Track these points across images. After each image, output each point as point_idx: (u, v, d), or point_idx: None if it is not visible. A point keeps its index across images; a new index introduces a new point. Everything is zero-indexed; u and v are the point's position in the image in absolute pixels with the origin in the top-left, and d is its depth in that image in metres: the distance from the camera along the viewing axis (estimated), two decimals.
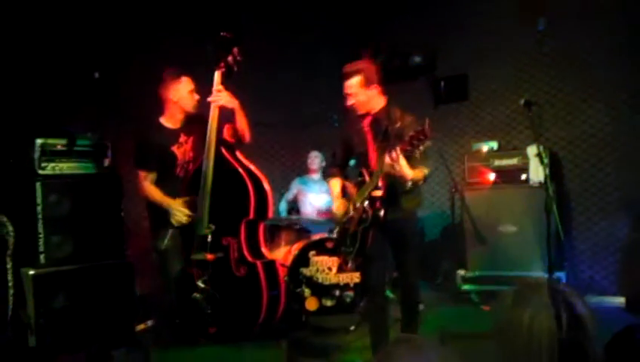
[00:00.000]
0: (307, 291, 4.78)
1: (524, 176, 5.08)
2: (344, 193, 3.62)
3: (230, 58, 3.42)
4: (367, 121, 3.44)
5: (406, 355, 1.36)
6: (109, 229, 4.26)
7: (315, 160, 5.58)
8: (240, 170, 3.49)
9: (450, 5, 6.17)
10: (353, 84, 3.31)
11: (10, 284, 3.76)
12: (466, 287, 5.15)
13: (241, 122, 3.57)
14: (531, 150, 4.92)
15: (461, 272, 5.21)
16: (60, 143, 4.12)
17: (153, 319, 4.36)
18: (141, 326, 4.48)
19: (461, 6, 6.09)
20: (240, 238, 3.45)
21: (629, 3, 4.97)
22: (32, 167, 3.97)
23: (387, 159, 3.04)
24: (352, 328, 4.46)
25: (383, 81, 3.40)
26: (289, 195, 5.77)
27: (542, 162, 3.91)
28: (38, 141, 4.00)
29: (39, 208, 3.91)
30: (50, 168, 4.04)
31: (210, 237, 3.41)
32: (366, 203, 3.30)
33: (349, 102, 3.36)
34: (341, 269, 4.78)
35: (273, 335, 3.75)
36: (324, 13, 6.39)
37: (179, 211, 3.52)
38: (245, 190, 3.43)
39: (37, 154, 3.97)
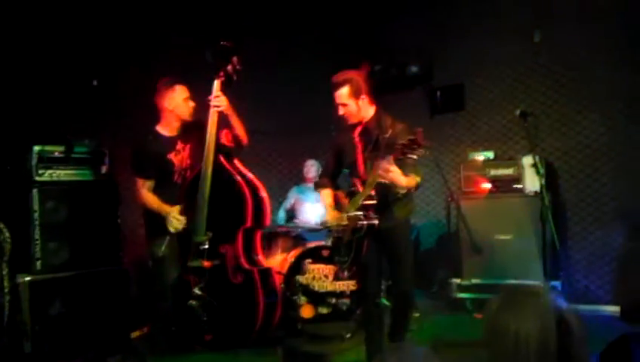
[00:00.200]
0: (303, 299, 4.79)
1: (519, 186, 5.10)
2: (336, 203, 3.61)
3: (230, 67, 3.45)
4: (357, 131, 3.44)
5: None
6: (106, 236, 4.26)
7: (312, 168, 5.60)
8: (238, 177, 3.51)
9: (447, 15, 6.21)
10: (342, 94, 3.30)
11: (6, 291, 3.75)
12: (461, 295, 5.16)
13: (239, 126, 3.60)
14: (527, 160, 4.94)
15: (456, 280, 5.22)
16: (57, 150, 4.13)
17: (149, 325, 4.35)
18: (136, 333, 4.49)
19: (458, 16, 6.13)
20: (237, 246, 3.47)
21: (626, 13, 5.01)
22: (29, 173, 3.98)
23: (380, 167, 3.04)
24: (348, 336, 4.46)
25: (380, 90, 3.43)
26: (287, 204, 5.78)
27: (537, 172, 3.94)
28: (36, 148, 4.01)
29: (36, 215, 3.92)
30: (48, 175, 4.05)
31: (207, 244, 3.43)
32: (359, 212, 3.31)
33: (340, 112, 3.37)
34: (337, 277, 4.80)
35: (269, 342, 3.76)
36: (322, 21, 6.42)
37: (175, 218, 3.53)
38: (243, 198, 3.45)
39: (34, 161, 3.98)
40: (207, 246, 3.43)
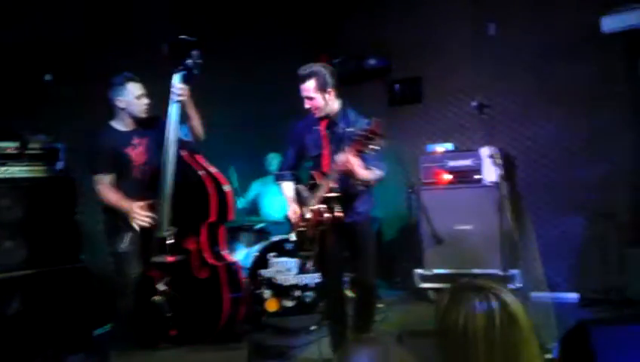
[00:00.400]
0: (267, 292, 4.80)
1: (478, 177, 5.20)
2: (298, 196, 3.61)
3: (189, 61, 3.41)
4: (323, 125, 3.44)
5: (365, 354, 1.39)
6: (64, 233, 4.18)
7: (274, 162, 5.59)
8: (200, 171, 3.48)
9: (404, 8, 6.28)
10: (308, 87, 3.30)
11: None
12: (423, 285, 5.25)
13: (196, 119, 3.57)
14: (485, 151, 5.05)
15: (419, 271, 5.31)
16: (11, 146, 4.02)
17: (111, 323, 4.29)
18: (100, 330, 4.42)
19: (415, 9, 6.21)
20: (201, 240, 3.44)
21: (580, 4, 5.16)
22: None
23: (339, 160, 3.06)
24: (313, 328, 4.49)
25: (339, 83, 3.42)
26: (248, 196, 5.75)
27: (495, 163, 4.02)
28: None
29: None
30: (2, 172, 3.94)
31: (170, 239, 3.39)
32: (322, 205, 3.32)
33: (306, 105, 3.36)
34: (301, 270, 4.82)
35: (234, 337, 3.74)
36: (281, 15, 6.40)
37: (139, 214, 3.47)
38: (206, 192, 3.42)
39: None
40: (170, 242, 3.39)
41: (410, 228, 5.77)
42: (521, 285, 4.89)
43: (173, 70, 3.46)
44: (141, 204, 3.48)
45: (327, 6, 6.75)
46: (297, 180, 3.71)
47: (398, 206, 6.14)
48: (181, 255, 3.42)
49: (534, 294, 5.05)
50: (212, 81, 4.34)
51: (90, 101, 4.41)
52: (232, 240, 5.26)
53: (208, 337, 3.39)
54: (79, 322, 4.09)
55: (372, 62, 6.34)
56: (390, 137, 3.14)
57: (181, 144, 3.54)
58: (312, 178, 3.44)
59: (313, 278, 4.84)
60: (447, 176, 5.33)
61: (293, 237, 3.62)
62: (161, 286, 3.42)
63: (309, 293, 4.87)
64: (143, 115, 3.62)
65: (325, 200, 3.31)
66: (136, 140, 3.64)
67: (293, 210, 3.52)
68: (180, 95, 3.43)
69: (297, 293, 4.85)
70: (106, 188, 3.55)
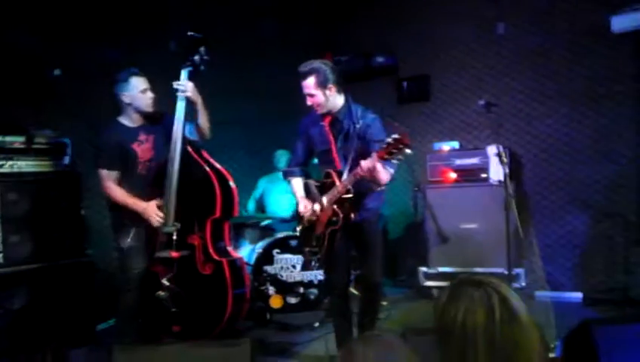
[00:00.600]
0: (271, 289, 4.81)
1: (484, 175, 5.19)
2: (307, 192, 3.58)
3: (197, 57, 3.41)
4: (327, 121, 3.42)
5: (369, 352, 1.38)
6: (69, 228, 4.20)
7: (282, 159, 5.58)
8: (206, 167, 3.48)
9: (412, 6, 6.27)
10: (309, 84, 3.27)
11: None
12: (428, 283, 5.24)
13: (204, 118, 3.56)
14: (491, 149, 5.03)
15: (423, 269, 5.30)
16: (17, 141, 4.04)
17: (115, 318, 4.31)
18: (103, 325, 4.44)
19: (423, 7, 6.20)
20: (206, 236, 3.44)
21: (589, 3, 5.13)
22: None
23: (364, 166, 2.98)
24: (317, 325, 4.50)
25: (346, 81, 3.39)
26: (257, 194, 5.75)
27: (501, 161, 4.01)
28: None
29: None
30: (8, 166, 3.96)
31: (175, 235, 3.40)
32: (335, 205, 3.29)
33: (308, 102, 3.33)
34: (305, 267, 4.82)
35: (237, 333, 3.75)
36: (289, 13, 6.40)
37: (156, 214, 3.46)
38: (211, 188, 3.42)
39: None
40: (175, 237, 3.40)
41: (415, 227, 5.77)
42: (525, 284, 4.89)
43: (181, 66, 3.45)
44: (158, 203, 3.47)
45: (335, 3, 6.73)
46: (306, 176, 3.69)
47: (404, 204, 6.14)
48: (186, 250, 3.42)
49: (538, 293, 5.05)
50: (218, 79, 4.35)
51: (97, 96, 4.42)
52: (237, 237, 5.27)
53: (212, 333, 3.40)
54: (83, 316, 4.11)
55: (380, 60, 6.32)
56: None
57: (186, 139, 3.54)
58: (327, 176, 3.40)
59: (317, 275, 4.85)
60: (453, 175, 5.32)
61: (298, 233, 3.61)
62: (165, 282, 3.42)
63: (313, 290, 4.88)
64: (149, 110, 3.62)
65: (340, 201, 3.29)
66: (142, 136, 3.64)
67: (304, 205, 3.49)
68: (185, 91, 3.43)
69: (301, 290, 4.86)
70: (114, 186, 3.54)
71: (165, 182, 3.45)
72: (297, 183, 3.63)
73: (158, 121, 3.66)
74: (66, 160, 4.26)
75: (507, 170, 4.01)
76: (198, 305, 3.42)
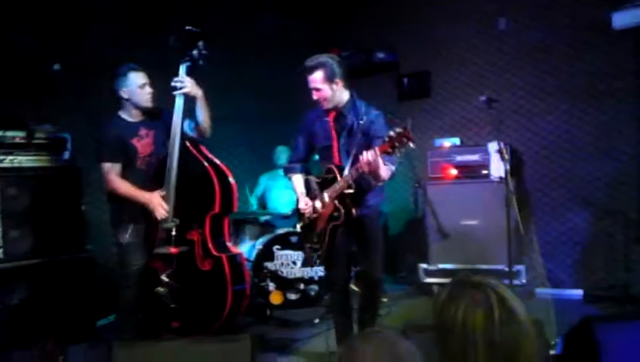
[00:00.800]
0: (272, 285, 4.80)
1: (485, 172, 5.18)
2: (308, 189, 3.58)
3: (195, 52, 3.39)
4: (331, 116, 3.41)
5: (370, 348, 1.38)
6: (69, 223, 4.20)
7: (282, 155, 5.57)
8: (205, 163, 3.47)
9: (413, 2, 6.26)
10: (316, 78, 3.26)
11: None
12: (428, 280, 5.24)
13: (204, 114, 3.53)
14: (492, 146, 5.02)
15: (424, 265, 5.29)
16: (18, 136, 4.03)
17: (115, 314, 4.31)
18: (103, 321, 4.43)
19: (424, 3, 6.18)
20: (205, 232, 3.44)
21: (589, 2, 5.11)
22: None
23: (366, 159, 2.96)
24: (317, 321, 4.49)
25: (347, 74, 3.38)
26: (258, 191, 5.74)
27: (502, 158, 4.00)
28: None
29: None
30: (8, 161, 3.96)
31: (174, 230, 3.39)
32: (336, 200, 3.29)
33: (314, 96, 3.32)
34: (307, 263, 4.82)
35: (237, 329, 3.75)
36: (290, 9, 6.38)
37: (160, 206, 3.45)
38: (210, 184, 3.41)
39: None
40: (174, 233, 3.39)
41: (416, 223, 5.76)
42: (526, 281, 4.88)
43: (180, 60, 3.44)
44: (162, 194, 3.45)
45: (336, 0, 6.72)
46: (307, 172, 3.68)
47: (405, 200, 6.13)
48: (185, 246, 3.42)
49: (539, 290, 5.05)
50: (218, 75, 4.34)
51: (97, 91, 4.40)
52: (238, 233, 5.26)
53: (211, 329, 3.39)
54: (83, 312, 4.12)
55: (380, 55, 6.31)
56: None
57: (186, 135, 3.52)
58: (328, 171, 3.39)
59: (317, 271, 4.84)
60: (454, 171, 5.31)
61: (298, 229, 3.60)
62: (164, 278, 3.41)
63: (314, 286, 4.88)
64: (148, 105, 3.60)
65: (341, 196, 3.28)
66: (143, 131, 3.62)
67: (304, 202, 3.48)
68: (183, 86, 3.41)
69: (302, 286, 4.85)
70: (117, 178, 3.53)
71: (164, 178, 3.44)
72: (298, 180, 3.63)
73: (158, 116, 3.65)
74: (66, 155, 4.26)
75: (508, 167, 4.00)
76: (198, 301, 3.42)
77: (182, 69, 3.44)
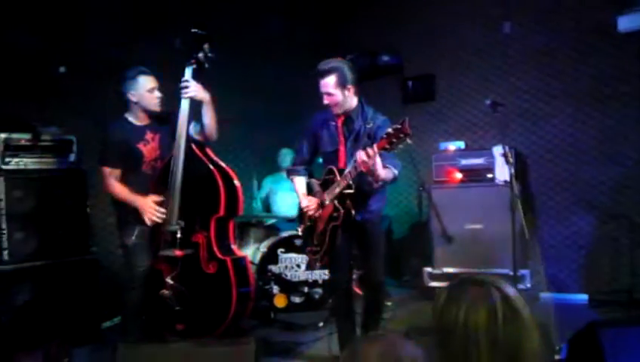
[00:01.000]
0: (276, 288, 4.80)
1: (490, 175, 5.17)
2: (310, 191, 3.59)
3: (201, 55, 3.40)
4: (340, 120, 3.42)
5: (373, 351, 1.37)
6: (74, 225, 4.21)
7: (287, 158, 5.58)
8: (210, 166, 3.47)
9: (417, 5, 6.26)
10: (328, 83, 3.26)
11: None
12: (432, 284, 5.22)
13: (210, 117, 3.52)
14: (497, 150, 5.01)
15: (428, 269, 5.28)
16: (24, 138, 4.05)
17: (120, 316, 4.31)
18: (108, 323, 4.44)
19: (428, 6, 6.18)
20: (210, 235, 3.44)
21: (595, 2, 5.10)
22: None
23: (363, 157, 2.98)
24: (321, 324, 4.49)
25: (358, 80, 3.39)
26: (262, 194, 5.75)
27: (507, 162, 3.99)
28: (2, 136, 3.93)
29: (2, 204, 3.85)
30: (14, 163, 3.97)
31: (179, 233, 3.39)
32: (335, 201, 3.31)
33: (325, 101, 3.32)
34: (310, 266, 4.82)
35: (242, 332, 3.75)
36: (295, 11, 6.39)
37: (152, 210, 3.47)
38: (216, 186, 3.41)
39: (0, 149, 3.90)
40: (179, 236, 3.39)
41: (420, 227, 5.76)
42: (531, 285, 4.87)
43: (185, 63, 3.44)
44: (155, 198, 3.47)
45: (340, 2, 6.73)
46: (310, 176, 3.69)
47: (409, 204, 6.13)
48: (190, 249, 3.42)
49: (543, 295, 5.03)
50: (223, 77, 4.35)
51: (103, 94, 4.42)
52: (242, 236, 5.27)
53: (216, 331, 3.39)
54: (88, 314, 4.12)
55: (385, 58, 6.31)
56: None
57: (191, 138, 3.52)
58: (329, 173, 3.41)
59: (322, 275, 4.84)
60: (459, 175, 5.30)
61: (300, 232, 3.62)
62: (169, 280, 3.42)
63: (318, 290, 4.88)
64: (156, 109, 3.61)
65: (340, 197, 3.29)
66: (149, 135, 3.63)
67: (308, 201, 3.49)
68: (188, 89, 3.41)
69: (306, 289, 4.85)
70: (115, 183, 3.54)
71: (169, 181, 3.45)
72: (300, 181, 3.65)
73: (165, 120, 3.65)
74: (72, 157, 4.27)
75: (513, 171, 3.99)
76: (202, 304, 3.42)
77: (188, 72, 3.44)
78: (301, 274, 4.88)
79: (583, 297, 5.03)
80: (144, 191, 3.52)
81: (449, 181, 5.35)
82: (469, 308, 1.36)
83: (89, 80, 4.68)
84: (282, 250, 4.89)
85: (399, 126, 2.86)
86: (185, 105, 3.44)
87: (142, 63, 3.67)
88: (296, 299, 4.85)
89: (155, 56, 4.28)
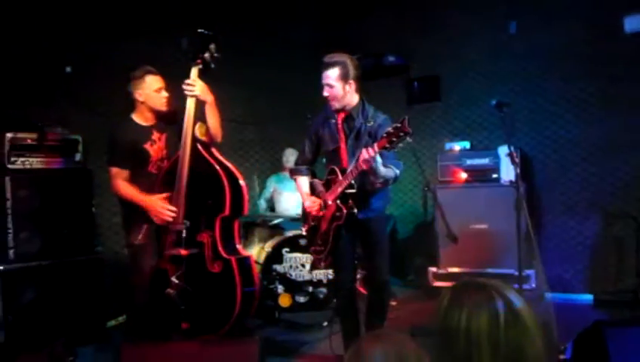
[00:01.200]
0: (280, 288, 4.81)
1: (495, 176, 5.16)
2: (313, 191, 3.61)
3: (207, 55, 3.40)
4: (340, 117, 3.43)
5: (377, 349, 1.37)
6: (80, 225, 4.23)
7: (291, 158, 5.58)
8: (216, 165, 3.48)
9: (423, 6, 6.24)
10: (331, 75, 3.28)
11: None
12: (437, 284, 5.22)
13: (214, 118, 3.53)
14: (503, 150, 5.00)
15: (433, 269, 5.28)
16: (30, 137, 4.07)
17: (125, 315, 4.33)
18: (113, 322, 4.46)
19: (434, 7, 6.17)
20: (215, 234, 3.44)
21: (600, 6, 5.08)
22: (1, 161, 3.91)
23: (364, 155, 3.01)
24: (325, 324, 4.49)
25: (361, 77, 3.40)
26: (267, 193, 5.75)
27: (513, 162, 3.98)
28: (8, 135, 3.95)
29: (8, 203, 3.87)
30: (20, 163, 3.99)
31: (185, 232, 3.40)
32: (338, 200, 3.32)
33: (325, 93, 3.34)
34: (314, 266, 4.82)
35: (247, 331, 3.75)
36: (300, 10, 6.40)
37: (163, 209, 3.46)
38: (221, 186, 3.42)
39: (6, 149, 3.92)
40: (184, 235, 3.40)
41: (425, 226, 5.75)
42: (536, 286, 4.85)
43: (191, 63, 3.45)
44: (162, 197, 3.47)
45: (347, 3, 6.72)
46: (313, 175, 3.70)
47: (414, 204, 6.12)
48: (195, 248, 3.43)
49: (548, 294, 5.01)
50: (229, 76, 4.35)
51: (109, 94, 4.44)
52: (247, 236, 5.28)
53: (220, 331, 3.40)
54: (93, 313, 4.14)
55: (391, 59, 6.30)
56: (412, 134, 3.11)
57: (197, 138, 3.53)
58: (331, 173, 3.42)
59: (326, 274, 4.84)
60: (464, 175, 5.29)
61: (304, 231, 3.63)
62: (174, 279, 3.42)
63: (322, 289, 4.88)
64: (163, 109, 3.62)
65: (343, 196, 3.29)
66: (156, 135, 3.64)
67: (311, 201, 3.51)
68: (194, 89, 3.41)
69: (310, 289, 4.85)
70: (123, 183, 3.56)
71: (175, 180, 3.45)
72: (303, 181, 3.67)
73: (172, 119, 3.65)
74: (78, 157, 4.29)
75: (518, 171, 3.97)
76: (207, 303, 3.43)
77: (194, 72, 3.44)
78: (306, 273, 4.88)
79: (588, 297, 5.01)
80: (150, 191, 3.54)
81: (454, 181, 5.35)
82: (471, 313, 1.35)
83: (95, 80, 4.69)
84: (287, 249, 4.89)
85: (399, 125, 2.87)
86: (191, 105, 3.45)
87: (148, 63, 3.68)
88: (301, 299, 4.85)
89: (162, 55, 4.29)
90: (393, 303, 4.66)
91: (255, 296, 3.58)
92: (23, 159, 4.00)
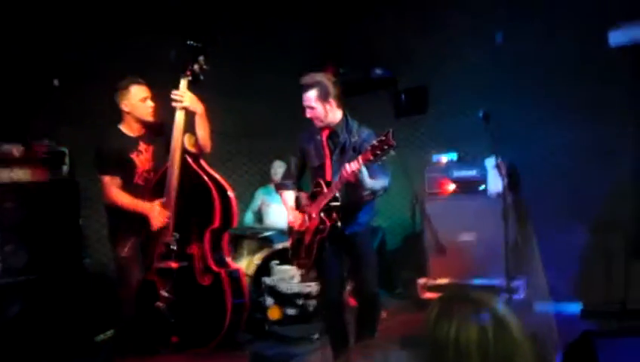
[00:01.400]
0: (270, 300, 4.78)
1: (483, 187, 5.18)
2: (298, 204, 3.62)
3: (196, 66, 3.41)
4: (324, 134, 3.45)
5: (366, 361, 1.37)
6: (67, 238, 4.19)
7: (279, 170, 5.58)
8: (205, 177, 3.47)
9: (411, 18, 6.29)
10: (310, 96, 3.31)
11: None
12: (426, 295, 5.21)
13: (204, 129, 3.53)
14: (490, 161, 5.03)
15: (422, 281, 5.28)
16: (16, 149, 4.03)
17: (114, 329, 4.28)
18: (101, 337, 4.41)
19: (422, 19, 6.22)
20: (204, 247, 3.43)
21: (589, 16, 5.15)
22: None
23: (348, 168, 3.04)
24: (316, 337, 4.46)
25: (344, 93, 3.41)
26: (254, 206, 5.74)
27: (500, 173, 4.01)
28: None
29: None
30: (6, 175, 3.95)
31: (175, 245, 3.38)
32: (322, 213, 3.32)
33: (307, 114, 3.37)
34: (304, 278, 4.80)
35: (237, 345, 3.73)
36: (288, 23, 6.43)
37: (160, 214, 3.45)
38: (210, 198, 3.41)
39: None
40: (174, 248, 3.38)
41: (413, 238, 5.75)
42: (524, 296, 4.87)
43: (180, 74, 3.45)
44: (159, 203, 3.45)
45: (333, 15, 6.76)
46: (299, 190, 3.71)
47: (402, 215, 6.12)
48: (184, 261, 3.41)
49: (537, 304, 5.03)
50: (217, 89, 4.35)
51: (96, 105, 4.43)
52: (236, 248, 5.25)
53: (210, 344, 3.37)
54: (81, 327, 4.09)
55: (378, 72, 6.34)
56: (396, 147, 3.13)
57: (186, 150, 3.53)
58: (317, 185, 3.43)
59: (316, 286, 4.82)
60: (452, 186, 5.31)
61: (289, 245, 3.63)
62: (163, 293, 3.40)
63: (312, 301, 4.85)
64: (149, 118, 3.61)
65: (327, 209, 3.30)
66: (142, 146, 3.63)
67: (294, 216, 3.52)
68: (183, 101, 3.41)
69: (300, 302, 4.82)
70: (117, 191, 3.54)
71: (164, 192, 3.44)
72: (288, 196, 3.68)
73: (159, 131, 3.65)
74: (65, 169, 4.26)
75: (505, 181, 4.01)
76: (197, 316, 3.40)
77: (183, 84, 3.44)
78: (295, 286, 4.85)
79: (576, 307, 5.03)
80: None
81: (442, 192, 5.36)
82: (459, 325, 1.35)
83: (82, 91, 4.68)
84: (276, 261, 4.88)
85: (383, 138, 2.90)
86: (180, 117, 3.45)
87: (135, 73, 3.67)
88: (291, 311, 4.82)
89: (151, 66, 4.28)
90: (384, 315, 4.65)
91: (245, 307, 3.56)
92: (9, 171, 3.96)
